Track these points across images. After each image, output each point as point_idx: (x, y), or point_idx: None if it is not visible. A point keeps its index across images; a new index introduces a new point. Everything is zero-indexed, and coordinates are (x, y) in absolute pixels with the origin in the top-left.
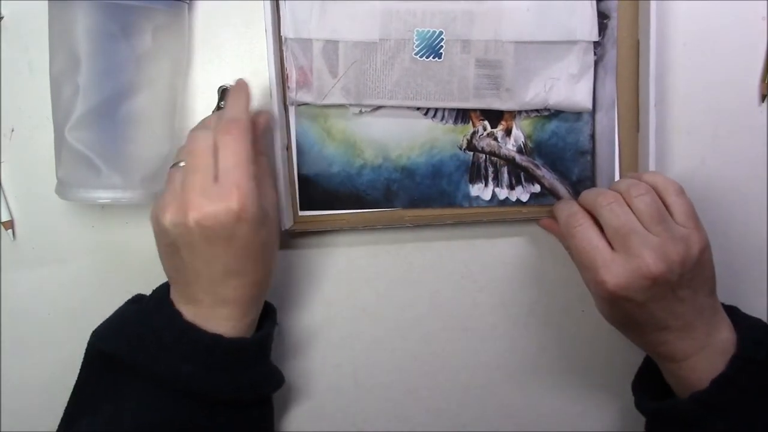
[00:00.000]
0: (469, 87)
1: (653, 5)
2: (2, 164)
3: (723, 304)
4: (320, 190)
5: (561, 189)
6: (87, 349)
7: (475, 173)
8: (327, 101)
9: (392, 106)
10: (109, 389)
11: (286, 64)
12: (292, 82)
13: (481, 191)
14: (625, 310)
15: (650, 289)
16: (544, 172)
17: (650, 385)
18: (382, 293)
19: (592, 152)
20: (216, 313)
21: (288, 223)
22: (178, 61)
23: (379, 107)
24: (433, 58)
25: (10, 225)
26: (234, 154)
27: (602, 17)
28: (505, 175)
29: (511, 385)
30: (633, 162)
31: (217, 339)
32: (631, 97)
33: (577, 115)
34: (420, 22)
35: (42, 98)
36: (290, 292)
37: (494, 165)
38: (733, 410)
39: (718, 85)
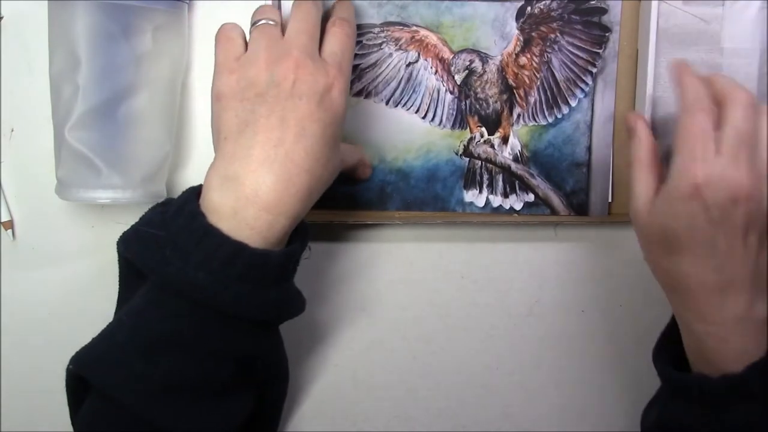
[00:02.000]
0: None
1: (653, 17)
2: (2, 164)
3: None
4: None
5: (555, 199)
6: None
7: (470, 179)
8: None
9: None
10: (128, 295)
11: None
12: None
13: (475, 197)
14: (691, 218)
15: (733, 207)
16: (538, 182)
17: (671, 353)
18: (382, 293)
19: (588, 164)
20: (247, 214)
21: None
22: (178, 61)
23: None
24: None
25: (10, 225)
26: (342, 45)
27: (604, 30)
28: (500, 183)
29: (511, 385)
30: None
31: (240, 247)
32: (628, 109)
33: (575, 125)
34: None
35: (42, 98)
36: None
37: (489, 172)
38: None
39: None
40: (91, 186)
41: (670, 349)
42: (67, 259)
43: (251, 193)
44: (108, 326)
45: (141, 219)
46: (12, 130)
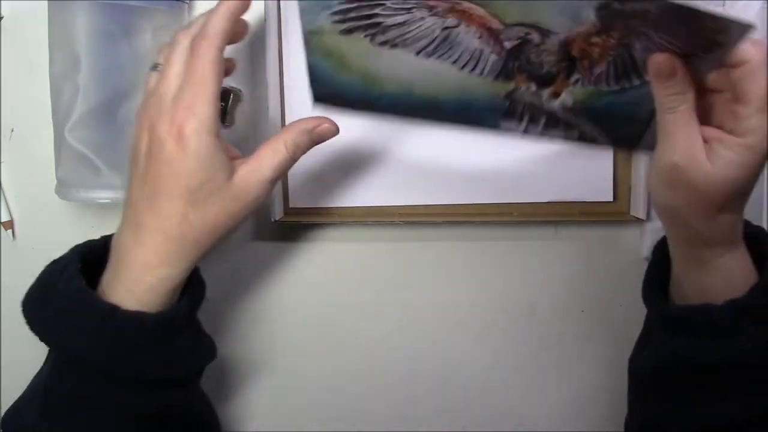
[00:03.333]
0: None
1: None
2: (2, 164)
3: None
4: (333, 93)
5: (601, 139)
6: None
7: (511, 113)
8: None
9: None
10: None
11: (285, 63)
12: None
13: (515, 126)
14: (755, 175)
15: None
16: (584, 126)
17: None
18: (382, 293)
19: (647, 122)
20: (122, 277)
21: (278, 214)
22: None
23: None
24: None
25: (10, 225)
26: (194, 79)
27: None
28: (543, 120)
29: (511, 385)
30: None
31: (112, 309)
32: None
33: (644, 94)
34: None
35: (42, 98)
36: (289, 291)
37: (533, 112)
38: None
39: None
40: (91, 186)
41: (656, 292)
42: None
43: (123, 256)
44: (30, 386)
45: (37, 278)
46: (12, 130)
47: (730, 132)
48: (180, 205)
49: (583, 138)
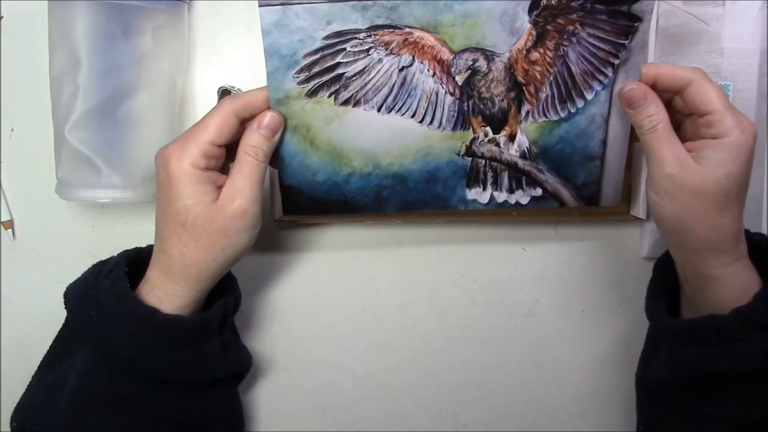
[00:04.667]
0: None
1: (653, 17)
2: (2, 164)
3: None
4: (305, 198)
5: (564, 192)
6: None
7: (473, 178)
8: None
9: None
10: (68, 347)
11: None
12: None
13: (479, 195)
14: (746, 170)
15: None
16: (547, 177)
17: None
18: (382, 293)
19: (602, 157)
20: (165, 284)
21: (278, 214)
22: (178, 61)
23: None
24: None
25: (10, 225)
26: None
27: (633, 20)
28: (505, 180)
29: (511, 385)
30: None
31: (151, 312)
32: None
33: (590, 119)
34: None
35: (42, 98)
36: (289, 291)
37: (494, 170)
38: None
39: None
40: (91, 186)
41: (662, 308)
42: (67, 259)
43: (167, 267)
44: (48, 382)
45: (82, 275)
46: (12, 130)
47: (713, 138)
48: (173, 228)
49: (547, 194)
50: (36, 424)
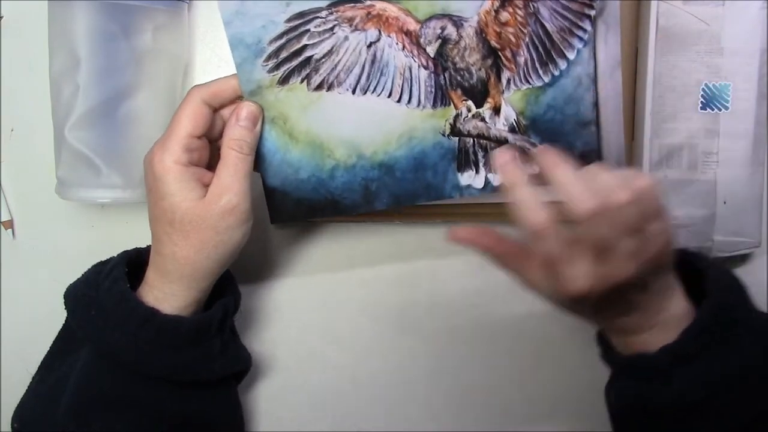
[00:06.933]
0: None
1: (653, 17)
2: (2, 164)
3: (686, 251)
4: (291, 201)
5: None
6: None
7: (464, 160)
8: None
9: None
10: (68, 348)
11: None
12: None
13: (472, 179)
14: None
15: None
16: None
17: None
18: (382, 293)
19: (597, 122)
20: (162, 284)
21: None
22: (178, 61)
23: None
24: None
25: (10, 225)
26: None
27: None
28: None
29: (511, 385)
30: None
31: (151, 312)
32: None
33: (576, 81)
34: None
35: (42, 98)
36: (289, 291)
37: (484, 149)
38: (705, 358)
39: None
40: (91, 185)
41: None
42: (67, 259)
43: (162, 267)
44: (49, 383)
45: (82, 276)
46: (12, 130)
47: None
48: (163, 227)
49: None
50: (37, 425)
